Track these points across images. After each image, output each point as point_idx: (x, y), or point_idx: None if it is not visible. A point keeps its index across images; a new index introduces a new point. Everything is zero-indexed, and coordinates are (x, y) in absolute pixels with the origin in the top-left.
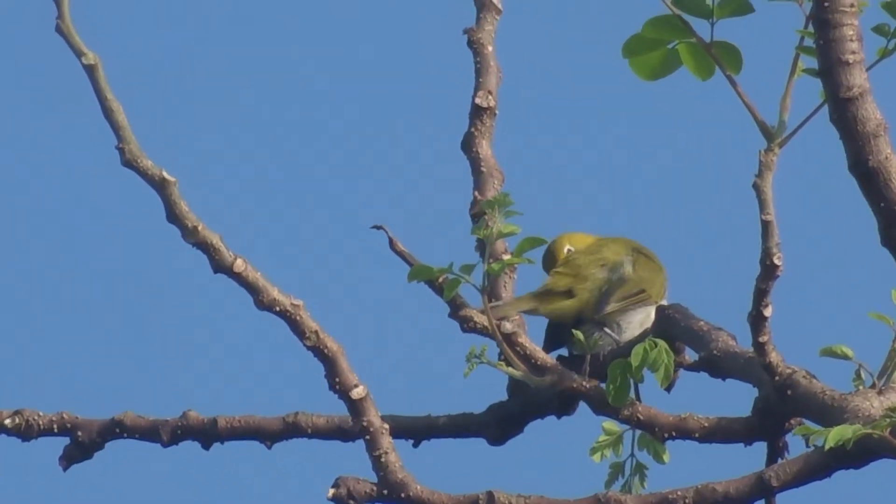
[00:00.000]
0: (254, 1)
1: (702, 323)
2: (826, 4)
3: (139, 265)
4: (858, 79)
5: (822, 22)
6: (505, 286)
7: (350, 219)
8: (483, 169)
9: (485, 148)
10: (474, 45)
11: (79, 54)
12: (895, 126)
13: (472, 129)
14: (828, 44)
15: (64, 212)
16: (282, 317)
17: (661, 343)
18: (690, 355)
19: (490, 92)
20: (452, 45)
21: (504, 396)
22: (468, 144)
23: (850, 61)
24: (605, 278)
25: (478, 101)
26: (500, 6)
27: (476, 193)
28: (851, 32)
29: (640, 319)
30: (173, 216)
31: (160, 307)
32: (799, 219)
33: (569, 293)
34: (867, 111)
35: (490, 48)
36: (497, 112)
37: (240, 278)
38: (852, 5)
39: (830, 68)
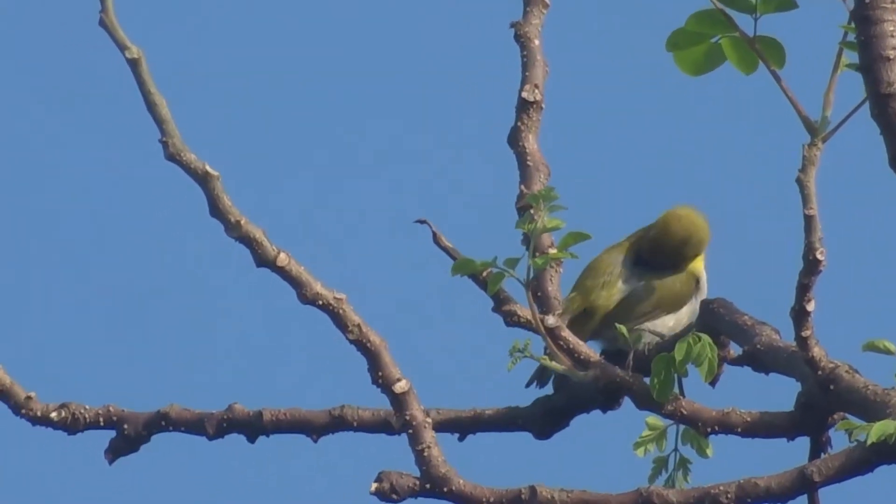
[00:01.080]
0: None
1: (746, 317)
2: (867, 1)
3: (181, 259)
4: None
5: (863, 18)
6: (551, 280)
7: (395, 213)
8: (529, 163)
9: (531, 142)
10: (521, 39)
11: (122, 48)
12: None
13: (519, 123)
14: (868, 40)
15: (107, 206)
16: (325, 311)
17: (705, 337)
18: (735, 350)
19: (536, 86)
20: (500, 38)
21: (550, 391)
22: (514, 138)
23: (892, 57)
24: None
25: (524, 94)
26: (547, 0)
27: (522, 187)
28: (892, 28)
29: (671, 327)
30: (217, 211)
31: (204, 302)
32: (841, 214)
33: (586, 316)
34: None
35: (537, 42)
36: (543, 106)
37: (283, 272)
38: (893, 1)
39: (871, 64)
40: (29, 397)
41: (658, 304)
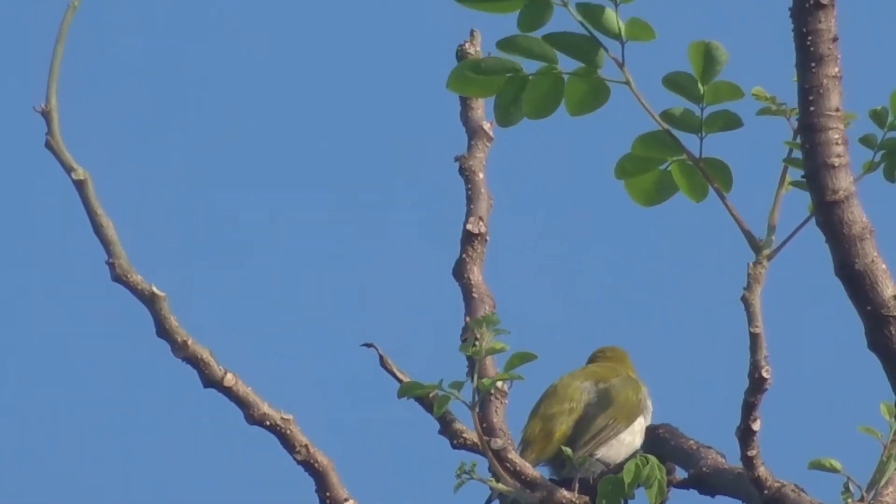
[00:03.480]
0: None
1: (691, 441)
2: (812, 109)
3: (127, 379)
4: (844, 182)
5: (808, 126)
6: (496, 411)
7: (341, 336)
8: (474, 294)
9: (476, 274)
10: (466, 172)
11: (69, 170)
12: (881, 229)
13: (464, 255)
14: (814, 147)
15: (54, 328)
16: (272, 431)
17: (653, 459)
18: (681, 475)
19: (481, 218)
20: (445, 170)
21: None
22: (460, 271)
23: (836, 164)
24: (569, 423)
25: (469, 227)
26: (490, 133)
27: (468, 319)
28: (837, 136)
29: (626, 442)
30: (164, 331)
31: (151, 422)
32: (787, 329)
33: (542, 442)
34: (853, 214)
35: (481, 175)
36: (488, 238)
37: (230, 393)
38: (837, 109)
39: (816, 171)
40: None
41: (615, 415)
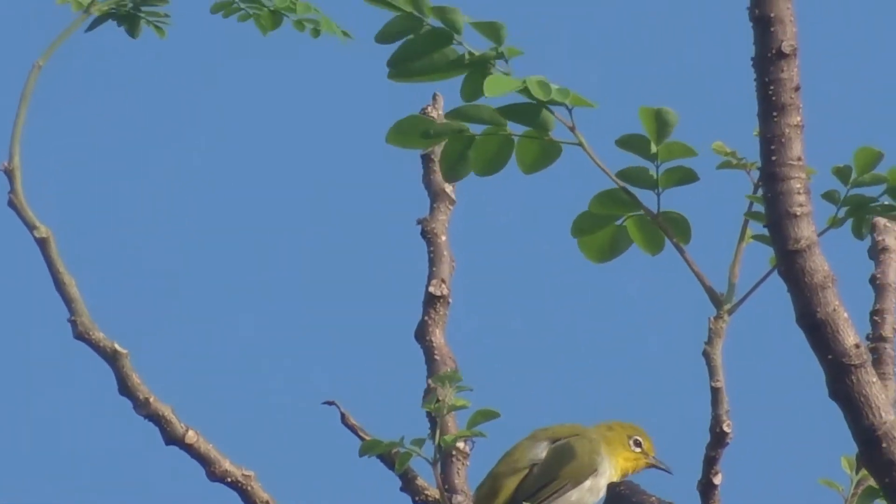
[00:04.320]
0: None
1: (653, 498)
2: (774, 158)
3: (90, 437)
4: (806, 231)
5: (770, 175)
6: (458, 472)
7: (303, 394)
8: (437, 357)
9: (438, 336)
10: (428, 235)
11: (31, 227)
12: (852, 281)
13: (426, 318)
14: (775, 197)
15: (15, 383)
16: (234, 488)
17: None
18: None
19: (443, 280)
20: (407, 233)
21: None
22: (422, 333)
23: (798, 213)
24: (516, 482)
25: (431, 289)
26: (453, 196)
27: (430, 382)
28: (799, 185)
29: (573, 500)
30: (125, 388)
31: (114, 480)
32: (749, 381)
33: (489, 498)
34: (815, 263)
35: (443, 237)
36: (450, 300)
37: (192, 450)
38: (799, 158)
39: (778, 221)
40: None
41: (559, 471)
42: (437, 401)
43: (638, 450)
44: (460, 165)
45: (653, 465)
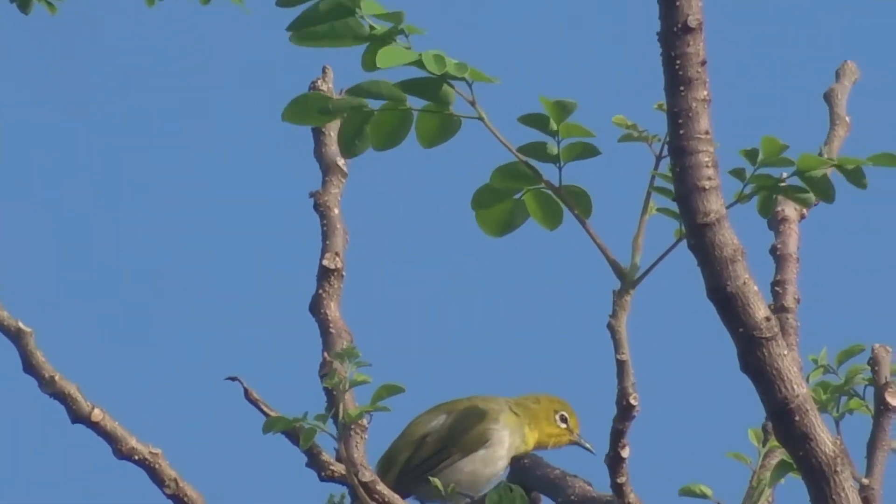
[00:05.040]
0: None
1: (557, 471)
2: (681, 132)
3: None
4: (715, 204)
5: (678, 149)
6: (357, 446)
7: (206, 370)
8: (332, 330)
9: (333, 309)
10: (320, 208)
11: None
12: (752, 252)
13: (321, 291)
14: (684, 170)
15: None
16: (141, 465)
17: (517, 488)
18: None
19: (337, 253)
20: (299, 207)
21: None
22: (316, 306)
23: (707, 187)
24: (408, 454)
25: (325, 262)
26: (345, 169)
27: (325, 355)
28: (707, 159)
29: (466, 471)
30: (30, 367)
31: (18, 461)
32: (656, 354)
33: (386, 470)
34: (724, 236)
35: (336, 210)
36: (344, 273)
37: (98, 428)
38: (707, 132)
39: (687, 194)
40: None
41: (450, 442)
42: (337, 376)
43: (563, 425)
44: (358, 141)
45: (575, 443)
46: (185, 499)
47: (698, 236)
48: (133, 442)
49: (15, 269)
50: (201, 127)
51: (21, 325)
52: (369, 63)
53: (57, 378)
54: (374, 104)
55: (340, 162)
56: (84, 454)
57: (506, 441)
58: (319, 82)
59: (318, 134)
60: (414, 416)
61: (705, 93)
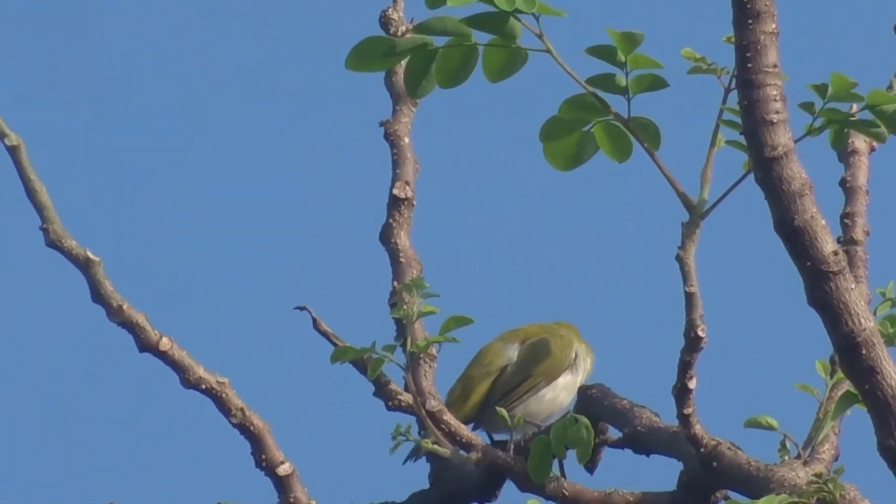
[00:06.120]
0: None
1: (624, 401)
2: (749, 66)
3: (63, 345)
4: (783, 138)
5: (746, 82)
6: (425, 375)
7: (274, 299)
8: (402, 259)
9: (403, 239)
10: (391, 137)
11: (1, 135)
12: (820, 187)
13: (391, 220)
14: (752, 104)
15: None
16: (208, 395)
17: (583, 419)
18: (615, 435)
19: (407, 183)
20: (370, 136)
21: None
22: (386, 236)
23: (775, 121)
24: (488, 383)
25: (395, 192)
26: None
27: (395, 284)
28: (775, 93)
29: (547, 399)
30: (98, 296)
31: (87, 387)
32: (723, 287)
33: (461, 401)
34: (792, 170)
35: (406, 140)
36: (415, 203)
37: (166, 357)
38: (775, 66)
39: (755, 128)
40: None
41: (533, 370)
42: (405, 306)
43: None
44: (425, 80)
45: None
46: (252, 428)
47: (766, 170)
48: (200, 371)
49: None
50: (273, 60)
51: (89, 253)
52: (433, 1)
53: (125, 307)
54: (439, 42)
55: None
56: (151, 383)
57: (581, 368)
58: (390, 11)
59: None
60: (482, 345)
61: (774, 26)
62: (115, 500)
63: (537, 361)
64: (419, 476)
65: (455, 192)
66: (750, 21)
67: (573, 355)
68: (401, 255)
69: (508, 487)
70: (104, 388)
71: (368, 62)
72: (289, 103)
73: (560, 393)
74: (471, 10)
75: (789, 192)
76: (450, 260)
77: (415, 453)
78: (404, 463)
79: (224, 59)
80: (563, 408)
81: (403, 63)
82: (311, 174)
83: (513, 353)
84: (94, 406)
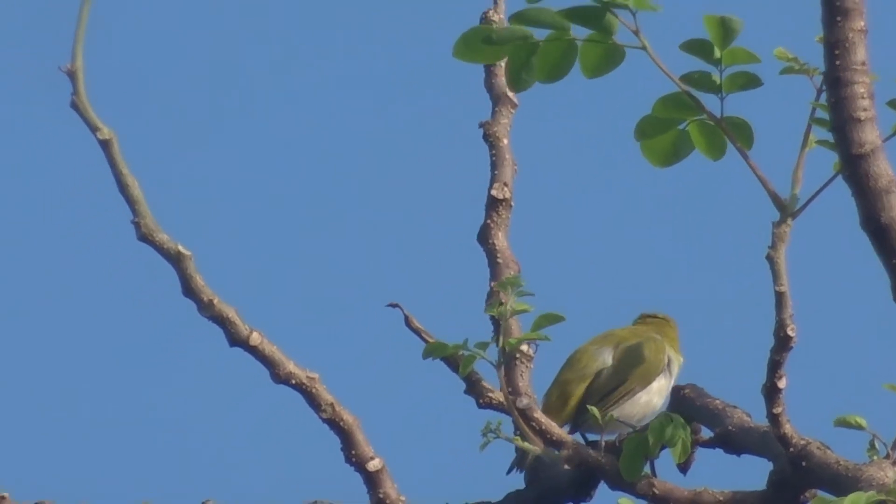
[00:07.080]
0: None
1: (717, 402)
2: (838, 63)
3: (154, 339)
4: (870, 135)
5: (834, 80)
6: (521, 375)
7: (367, 296)
8: (499, 260)
9: (500, 239)
10: (490, 139)
11: (94, 129)
12: None
13: (489, 221)
14: (840, 101)
15: (80, 288)
16: (298, 390)
17: (678, 418)
18: (707, 434)
19: (506, 184)
20: (470, 137)
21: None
22: (484, 236)
23: (862, 118)
24: (583, 387)
25: (494, 192)
26: (515, 100)
27: (492, 284)
28: (863, 90)
29: (642, 402)
30: (189, 290)
31: (177, 381)
32: (813, 286)
33: (560, 405)
34: (879, 167)
35: (505, 141)
36: (513, 204)
37: (256, 352)
38: (863, 63)
39: (843, 125)
40: (2, 497)
41: (628, 374)
42: (500, 304)
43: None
44: (525, 74)
45: None
46: (341, 423)
47: (852, 167)
48: (291, 366)
49: (174, 193)
50: (374, 58)
51: (181, 248)
52: None
53: (216, 301)
54: (538, 34)
55: (510, 93)
56: (242, 378)
57: (674, 371)
58: (491, 13)
59: (488, 65)
60: (574, 348)
61: (862, 23)
62: (210, 499)
63: (632, 366)
64: (514, 476)
65: (552, 193)
66: (839, 18)
67: (666, 359)
68: (498, 255)
69: (601, 488)
70: (194, 382)
71: (474, 52)
72: (391, 104)
73: (654, 396)
74: (569, 3)
75: (876, 190)
76: (547, 261)
77: (519, 463)
78: (508, 473)
79: (328, 59)
80: (655, 410)
81: (503, 63)
82: (412, 174)
83: (607, 356)
84: (185, 401)
